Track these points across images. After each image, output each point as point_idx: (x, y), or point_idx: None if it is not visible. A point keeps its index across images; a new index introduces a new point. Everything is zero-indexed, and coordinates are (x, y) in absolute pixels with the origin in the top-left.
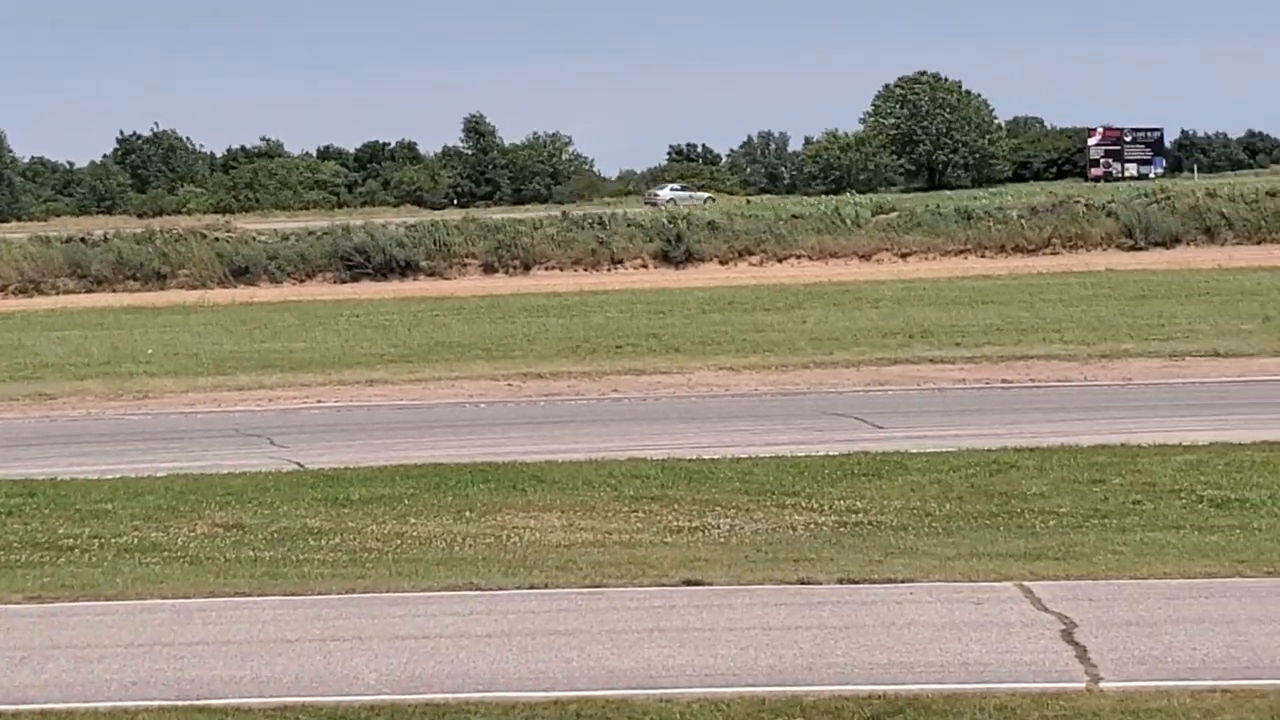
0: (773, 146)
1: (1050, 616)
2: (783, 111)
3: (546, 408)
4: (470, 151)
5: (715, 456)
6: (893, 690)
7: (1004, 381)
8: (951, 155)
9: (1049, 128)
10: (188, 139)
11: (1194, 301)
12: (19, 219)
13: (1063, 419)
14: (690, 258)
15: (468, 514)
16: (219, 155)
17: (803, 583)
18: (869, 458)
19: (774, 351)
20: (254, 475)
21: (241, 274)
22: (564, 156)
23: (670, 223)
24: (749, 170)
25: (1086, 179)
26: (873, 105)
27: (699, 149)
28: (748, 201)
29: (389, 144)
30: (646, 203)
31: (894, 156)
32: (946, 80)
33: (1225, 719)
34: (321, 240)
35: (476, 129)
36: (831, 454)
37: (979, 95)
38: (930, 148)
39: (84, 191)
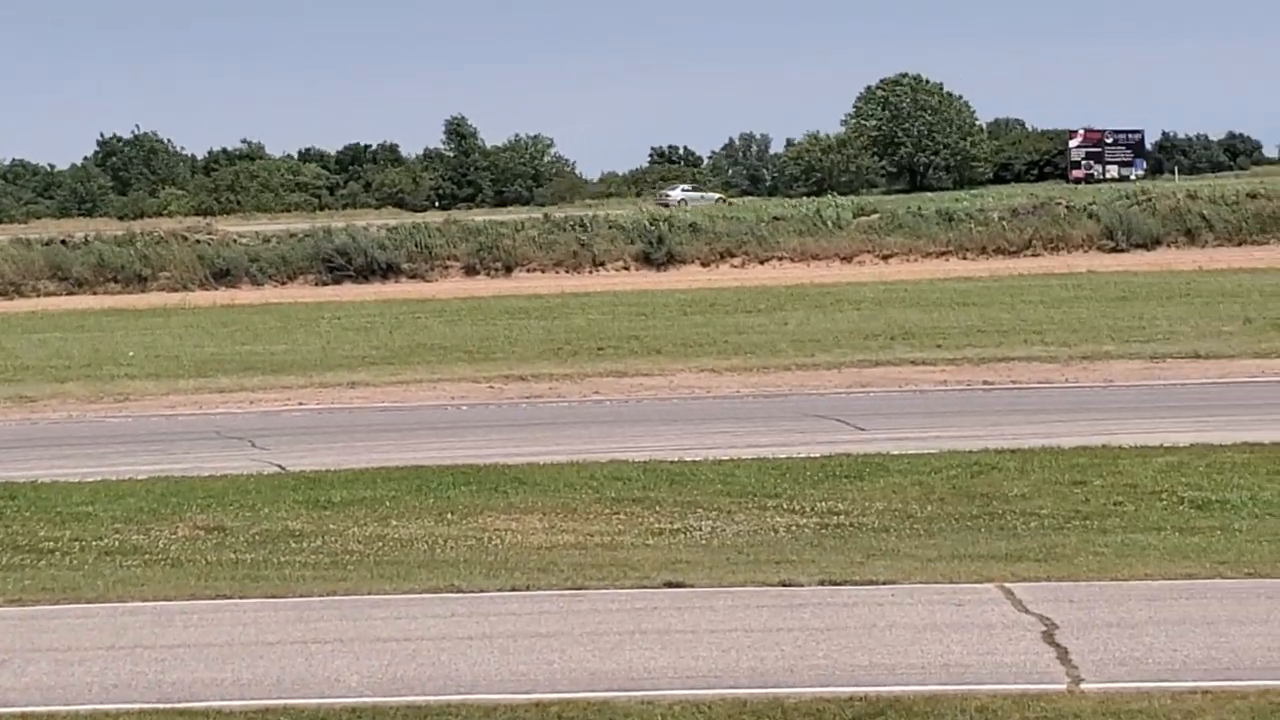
0: (754, 148)
1: (1031, 618)
2: (764, 113)
3: (528, 410)
4: (452, 154)
5: (697, 458)
6: (874, 692)
7: (985, 383)
8: (933, 157)
9: (1030, 129)
10: (169, 141)
11: (1175, 303)
12: None
13: (1044, 420)
14: (672, 260)
15: (449, 516)
16: (200, 157)
17: (784, 585)
18: (851, 459)
19: (755, 353)
20: (235, 478)
21: (223, 276)
22: (546, 159)
23: (652, 225)
24: (730, 172)
25: (1068, 181)
26: (854, 107)
27: (681, 151)
28: (729, 204)
29: (370, 146)
30: (658, 203)
31: (875, 158)
32: (928, 82)
33: None
34: (303, 242)
35: (458, 131)
36: (813, 456)
37: (960, 97)
38: (911, 149)
39: (65, 194)
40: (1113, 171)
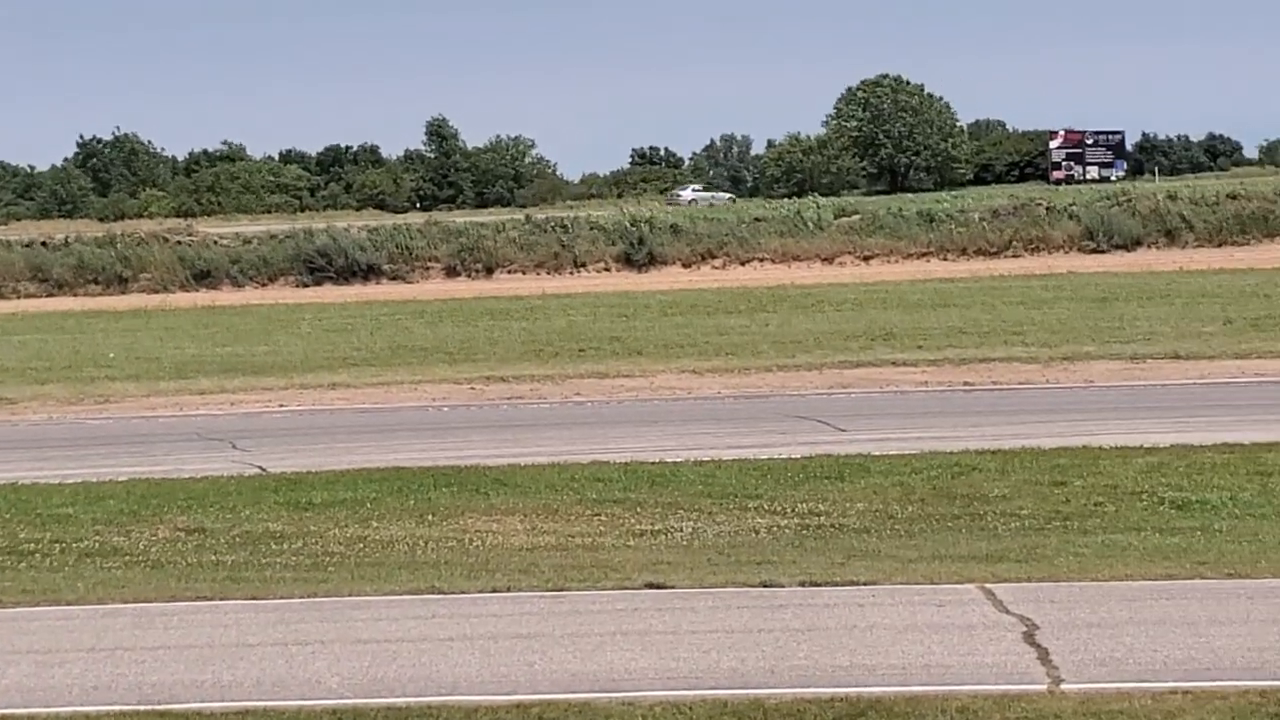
0: (735, 149)
1: (1012, 618)
2: (745, 115)
3: (509, 411)
4: (433, 155)
5: (678, 459)
6: (855, 693)
7: (966, 384)
8: (913, 158)
9: (1011, 130)
10: (149, 142)
11: (1155, 304)
12: None
13: (1024, 421)
14: (653, 261)
15: (430, 518)
16: (180, 159)
17: (765, 585)
18: (831, 460)
19: (736, 354)
20: (216, 479)
21: (203, 278)
22: (526, 160)
23: (633, 226)
24: (712, 173)
25: (1048, 182)
26: (835, 108)
27: (662, 152)
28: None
29: (351, 147)
30: (669, 203)
31: (856, 159)
32: (908, 83)
33: None
34: (284, 244)
35: (439, 132)
36: (794, 457)
37: (941, 98)
38: (892, 151)
39: (45, 195)
40: (1093, 172)
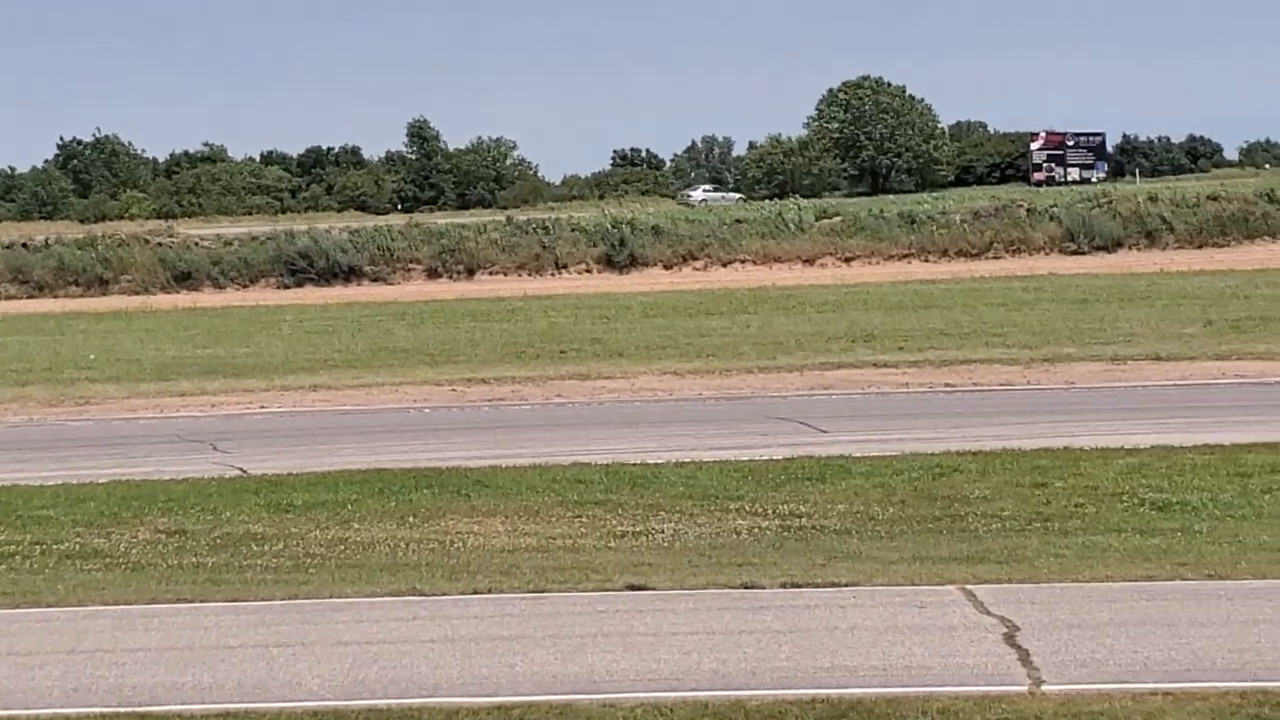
0: (717, 151)
1: (993, 620)
2: (727, 116)
3: (490, 412)
4: (414, 156)
5: (659, 461)
6: (835, 694)
7: (947, 385)
8: (895, 160)
9: (992, 132)
10: (130, 144)
11: (1135, 305)
12: None
13: (1005, 423)
14: (634, 262)
15: (411, 519)
16: (161, 160)
17: (746, 587)
18: (812, 462)
19: (718, 356)
20: (196, 481)
21: (184, 279)
22: (508, 161)
23: (614, 227)
24: (693, 175)
25: (1029, 183)
26: (816, 110)
27: (643, 154)
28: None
29: (333, 149)
30: (680, 204)
31: (837, 161)
32: (890, 85)
33: None
34: (265, 246)
35: (420, 134)
36: (775, 458)
37: (922, 100)
38: (874, 152)
39: (25, 197)
40: (1074, 174)
